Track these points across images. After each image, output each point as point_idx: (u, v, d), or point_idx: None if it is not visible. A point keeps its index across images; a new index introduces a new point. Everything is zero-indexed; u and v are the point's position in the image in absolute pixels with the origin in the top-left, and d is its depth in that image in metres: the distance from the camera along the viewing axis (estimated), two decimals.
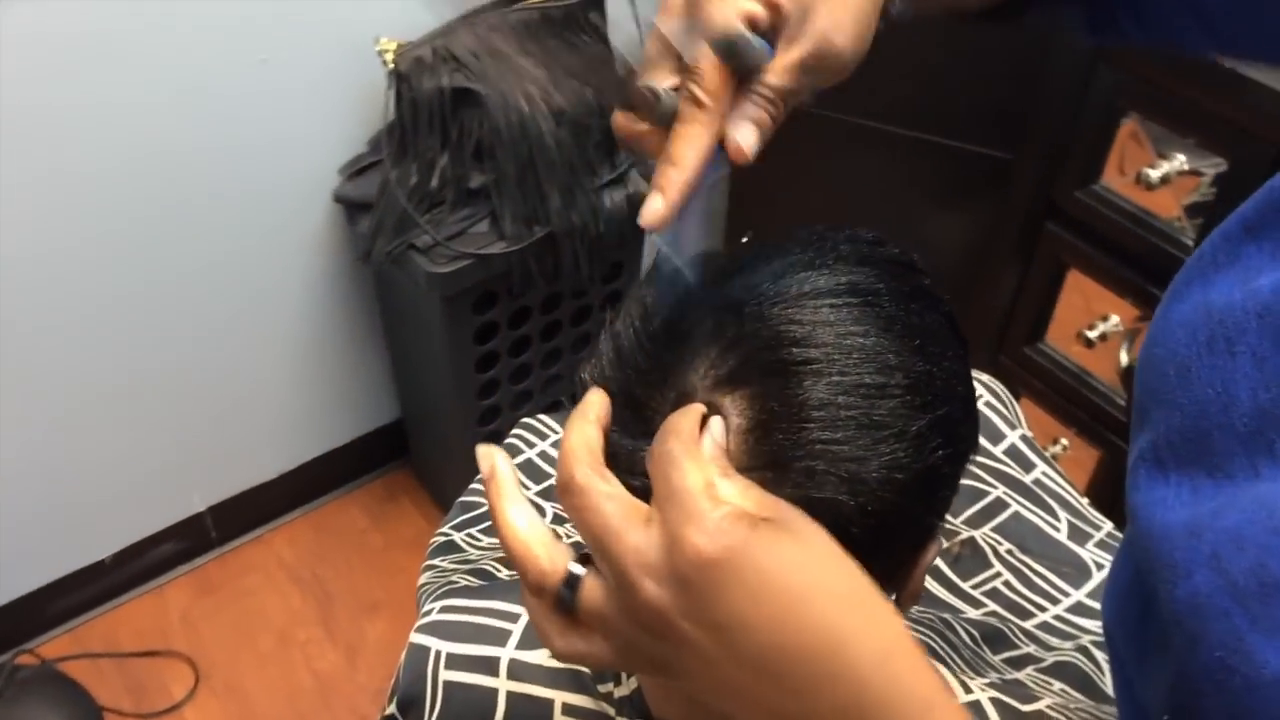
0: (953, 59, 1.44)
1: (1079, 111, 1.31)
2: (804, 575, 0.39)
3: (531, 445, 0.99)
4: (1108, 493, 1.45)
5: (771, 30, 0.46)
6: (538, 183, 1.46)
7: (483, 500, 0.94)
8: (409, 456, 2.01)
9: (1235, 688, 0.38)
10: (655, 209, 0.44)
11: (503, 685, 0.60)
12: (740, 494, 0.40)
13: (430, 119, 1.43)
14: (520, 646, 0.62)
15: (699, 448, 0.42)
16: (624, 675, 0.59)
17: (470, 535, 0.90)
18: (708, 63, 0.44)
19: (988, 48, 1.40)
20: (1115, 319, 1.46)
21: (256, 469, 1.86)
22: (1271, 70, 1.09)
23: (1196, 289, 0.48)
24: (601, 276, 1.65)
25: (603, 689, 0.59)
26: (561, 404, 1.81)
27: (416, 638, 0.66)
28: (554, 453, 0.98)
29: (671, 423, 0.43)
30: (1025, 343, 1.51)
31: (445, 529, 0.91)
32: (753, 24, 0.45)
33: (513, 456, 0.98)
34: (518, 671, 0.60)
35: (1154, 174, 1.26)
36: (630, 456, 0.45)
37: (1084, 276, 1.41)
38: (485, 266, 1.47)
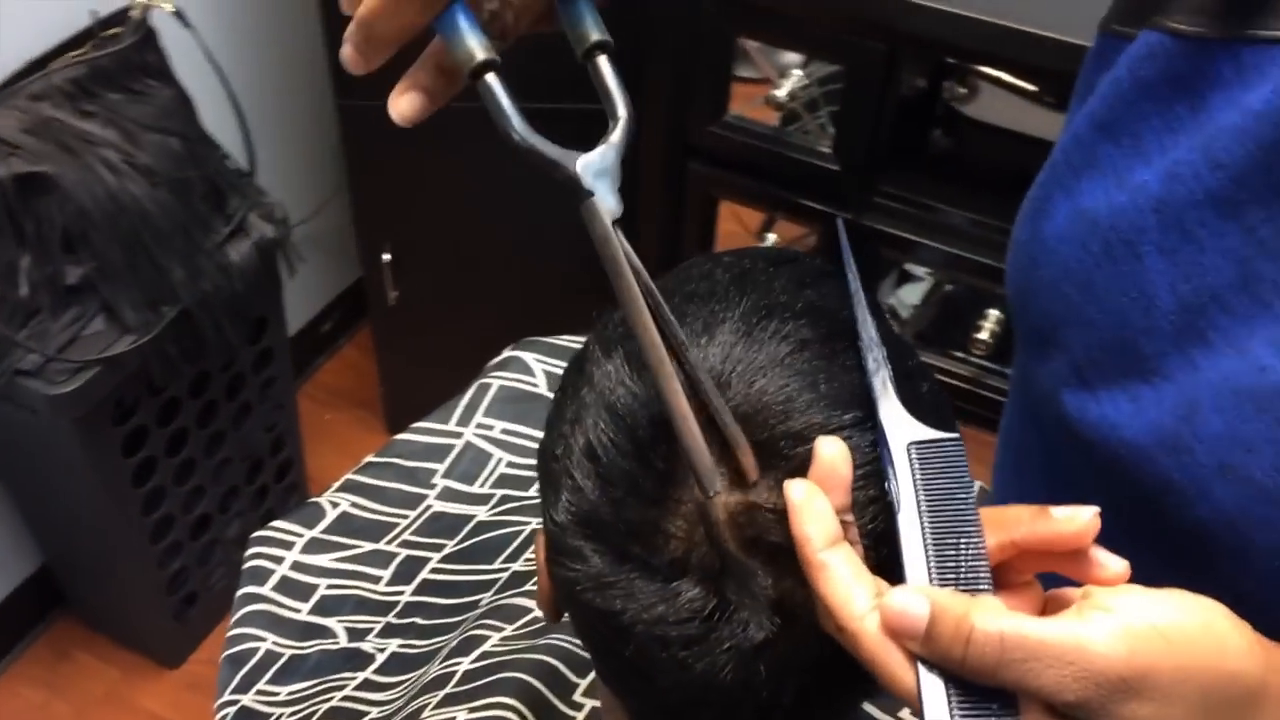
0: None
1: (693, 49, 1.32)
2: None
3: (279, 560, 0.86)
4: None
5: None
6: (151, 258, 1.26)
7: (256, 645, 0.79)
8: (69, 603, 1.71)
9: None
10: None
11: None
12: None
13: None
14: None
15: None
16: None
17: (262, 692, 0.76)
18: None
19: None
20: (773, 237, 1.52)
21: None
22: None
23: (1061, 201, 0.46)
24: (248, 338, 1.47)
25: None
26: (267, 489, 1.61)
27: None
28: (307, 559, 0.86)
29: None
30: None
31: (229, 696, 0.76)
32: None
33: (263, 582, 0.84)
34: None
35: (779, 93, 1.30)
36: (671, 599, 0.37)
37: (735, 204, 1.44)
38: (116, 369, 1.25)
